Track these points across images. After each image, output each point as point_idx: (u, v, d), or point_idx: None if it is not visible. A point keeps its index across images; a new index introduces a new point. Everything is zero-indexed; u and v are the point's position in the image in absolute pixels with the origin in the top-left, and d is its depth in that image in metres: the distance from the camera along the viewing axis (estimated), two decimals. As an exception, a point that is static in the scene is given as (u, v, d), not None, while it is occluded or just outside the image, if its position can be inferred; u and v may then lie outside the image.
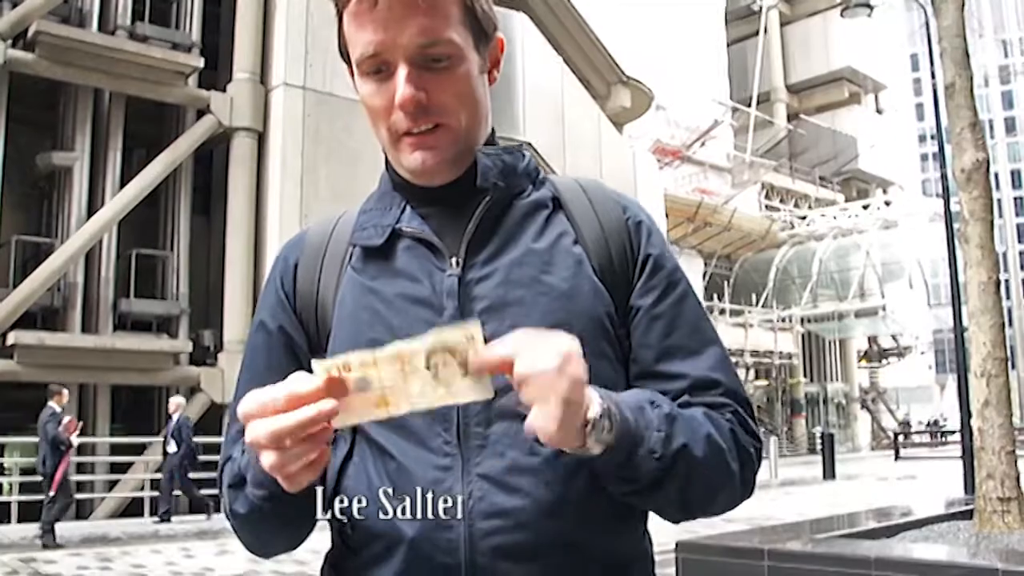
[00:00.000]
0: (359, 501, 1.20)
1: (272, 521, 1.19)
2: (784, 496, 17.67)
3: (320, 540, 1.30)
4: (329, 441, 1.05)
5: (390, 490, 1.17)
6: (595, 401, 1.04)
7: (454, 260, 1.23)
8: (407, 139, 1.22)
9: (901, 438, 36.24)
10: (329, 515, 1.24)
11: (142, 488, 14.61)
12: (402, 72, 1.17)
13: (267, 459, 1.02)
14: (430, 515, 1.14)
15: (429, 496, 1.15)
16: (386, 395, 1.02)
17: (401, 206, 1.30)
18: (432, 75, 1.19)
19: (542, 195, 1.31)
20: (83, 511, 14.53)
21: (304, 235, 1.38)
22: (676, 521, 1.22)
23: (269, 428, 1.00)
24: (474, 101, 1.24)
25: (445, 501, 1.14)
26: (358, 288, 1.26)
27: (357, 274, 1.27)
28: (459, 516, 1.14)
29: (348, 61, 1.27)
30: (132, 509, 14.48)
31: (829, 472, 22.97)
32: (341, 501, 1.22)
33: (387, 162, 1.32)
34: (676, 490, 1.13)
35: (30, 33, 14.75)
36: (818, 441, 28.96)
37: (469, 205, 1.25)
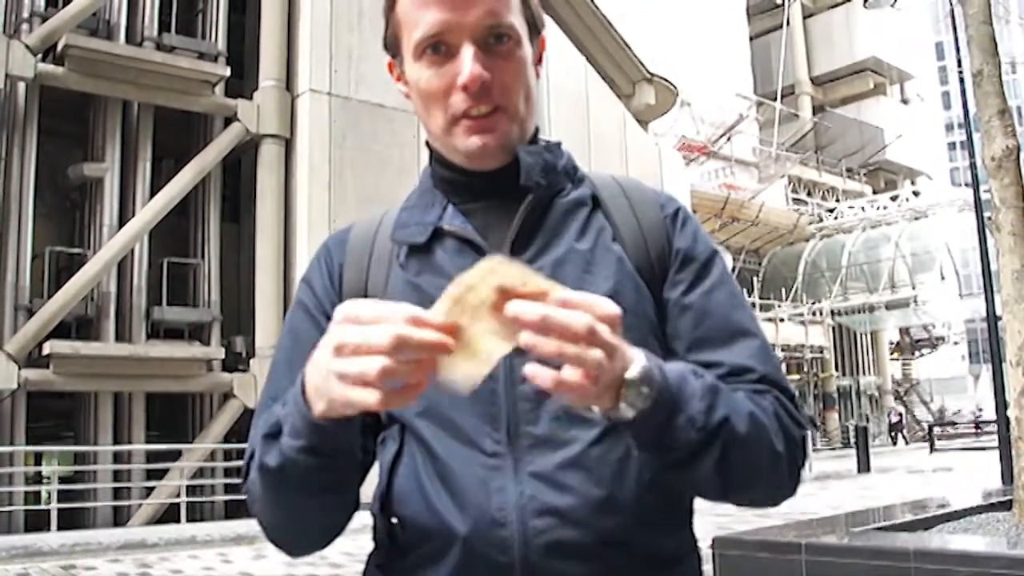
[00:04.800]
0: (410, 501, 1.19)
1: (303, 483, 1.11)
2: (819, 490, 17.56)
3: (356, 542, 1.28)
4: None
5: (442, 490, 1.16)
6: (637, 362, 0.99)
7: None
8: (465, 122, 1.21)
9: (937, 430, 35.90)
10: (374, 514, 1.23)
11: (178, 494, 14.72)
12: (468, 51, 1.17)
13: (369, 364, 0.91)
14: (483, 514, 1.14)
15: (481, 495, 1.14)
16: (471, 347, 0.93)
17: (443, 204, 1.29)
18: (495, 57, 1.19)
19: (582, 193, 1.30)
20: (120, 518, 14.66)
21: (348, 233, 1.37)
22: (718, 500, 1.17)
23: (392, 332, 0.91)
24: (529, 87, 1.25)
25: (498, 500, 1.14)
26: (404, 285, 1.25)
27: (403, 271, 1.27)
28: (512, 514, 1.13)
29: (394, 51, 1.27)
30: (169, 515, 14.60)
31: (863, 465, 22.78)
32: (391, 501, 1.21)
33: (430, 157, 1.31)
34: (716, 464, 1.09)
35: (59, 47, 14.90)
36: (852, 434, 28.76)
37: (511, 203, 1.25)
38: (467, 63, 1.17)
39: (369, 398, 0.93)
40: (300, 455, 1.06)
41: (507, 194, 1.25)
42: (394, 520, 1.21)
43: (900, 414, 40.24)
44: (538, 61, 1.31)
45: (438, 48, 1.19)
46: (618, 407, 0.99)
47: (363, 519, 1.19)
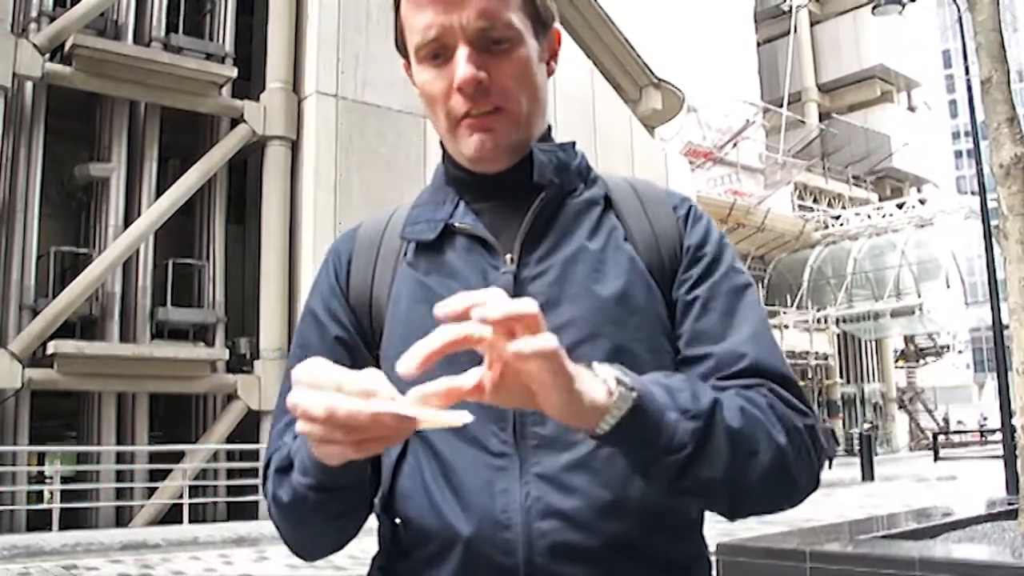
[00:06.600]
0: (413, 501, 1.18)
1: (315, 514, 1.12)
2: (823, 498, 17.51)
3: (359, 545, 1.27)
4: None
5: (445, 490, 1.15)
6: (603, 369, 0.96)
7: (508, 257, 1.21)
8: (466, 121, 1.20)
9: (942, 438, 35.82)
10: (379, 515, 1.22)
11: (180, 495, 14.73)
12: (462, 53, 1.16)
13: (316, 431, 0.90)
14: (487, 515, 1.12)
15: (486, 496, 1.13)
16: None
17: (455, 202, 1.28)
18: (492, 58, 1.18)
19: (594, 193, 1.29)
20: (122, 518, 14.67)
21: (356, 231, 1.36)
22: (731, 517, 1.11)
23: (329, 403, 0.88)
24: (533, 86, 1.23)
25: (502, 501, 1.12)
26: (412, 283, 1.24)
27: (411, 269, 1.26)
28: (517, 516, 1.12)
29: (404, 53, 1.26)
30: (171, 516, 14.60)
31: (868, 473, 22.74)
32: (395, 501, 1.21)
33: (443, 156, 1.31)
34: (723, 467, 1.03)
35: (67, 46, 14.94)
36: (856, 442, 28.69)
37: (523, 202, 1.24)
38: (461, 65, 1.16)
39: (334, 454, 0.93)
40: (310, 492, 1.09)
41: (519, 192, 1.24)
42: (397, 520, 1.20)
43: (874, 425, 40.19)
44: (551, 57, 1.29)
45: (436, 51, 1.19)
46: (599, 422, 0.95)
47: (370, 523, 1.19)
